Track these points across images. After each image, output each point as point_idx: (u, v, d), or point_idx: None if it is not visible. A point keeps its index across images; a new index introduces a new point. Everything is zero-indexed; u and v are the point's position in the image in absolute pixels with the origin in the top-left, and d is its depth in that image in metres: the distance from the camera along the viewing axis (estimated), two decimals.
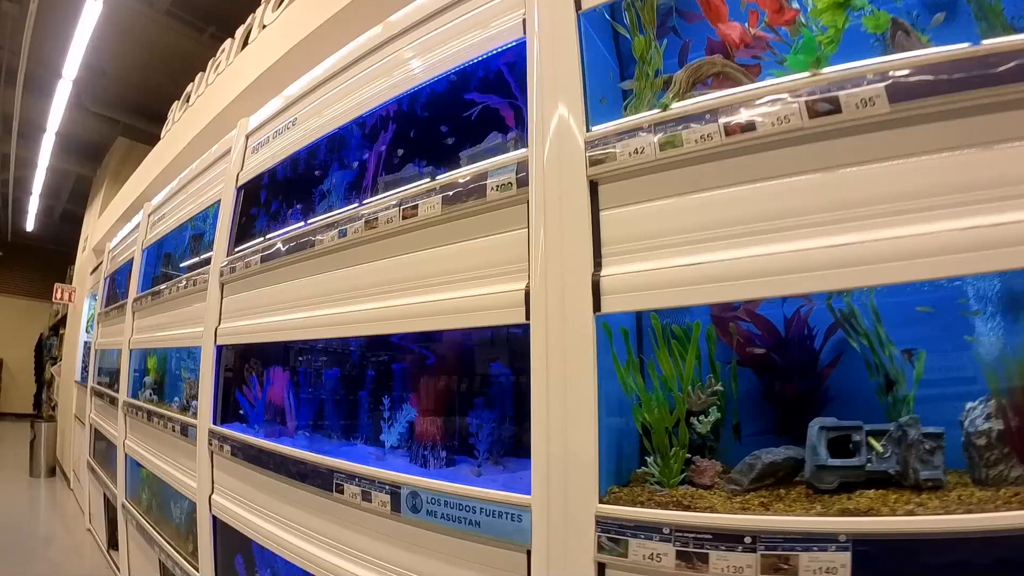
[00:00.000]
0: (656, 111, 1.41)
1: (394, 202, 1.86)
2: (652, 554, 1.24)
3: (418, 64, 1.95)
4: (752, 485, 1.38)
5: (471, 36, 1.80)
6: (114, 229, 6.32)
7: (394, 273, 1.85)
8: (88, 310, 7.86)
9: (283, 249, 2.36)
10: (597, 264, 1.39)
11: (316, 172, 2.52)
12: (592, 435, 1.33)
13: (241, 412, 2.65)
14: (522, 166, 1.55)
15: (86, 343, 7.40)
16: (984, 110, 1.13)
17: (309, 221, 2.27)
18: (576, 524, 1.33)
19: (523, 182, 1.53)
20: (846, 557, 1.12)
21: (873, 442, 1.35)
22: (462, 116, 1.91)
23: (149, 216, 4.61)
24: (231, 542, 2.78)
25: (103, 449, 5.47)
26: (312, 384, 2.39)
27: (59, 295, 8.66)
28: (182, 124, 4.68)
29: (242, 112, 3.18)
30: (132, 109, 8.14)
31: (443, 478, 1.70)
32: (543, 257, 1.43)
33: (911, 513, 1.16)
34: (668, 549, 1.23)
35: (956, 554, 1.05)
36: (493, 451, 1.72)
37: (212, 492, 2.92)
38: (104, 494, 5.11)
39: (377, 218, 1.90)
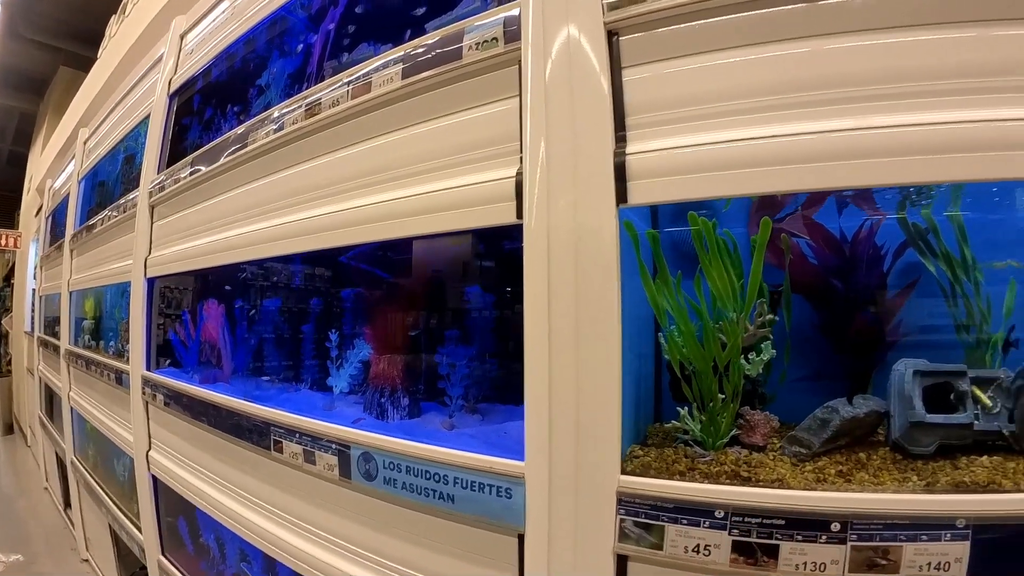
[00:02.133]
0: None
1: (342, 80, 1.42)
2: (698, 545, 0.95)
3: None
4: (824, 447, 1.03)
5: None
6: (56, 166, 5.77)
7: (344, 169, 1.44)
8: (34, 255, 7.34)
9: (214, 156, 1.91)
10: (620, 139, 0.98)
11: (254, 67, 2.06)
12: (615, 378, 1.00)
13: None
14: (513, 19, 1.12)
15: (32, 290, 6.92)
16: None
17: (244, 122, 1.82)
18: (589, 502, 1.02)
19: (513, 36, 1.13)
20: (964, 548, 0.85)
21: (979, 393, 1.00)
22: None
23: (84, 144, 4.11)
24: (174, 503, 2.46)
25: (52, 402, 5.13)
26: (251, 319, 1.97)
27: (3, 241, 8.07)
28: (118, 38, 4.12)
29: (178, 11, 2.69)
30: (72, 35, 7.44)
31: (405, 433, 1.32)
32: (545, 132, 1.03)
33: None
34: (721, 539, 0.93)
35: None
36: (469, 396, 1.34)
37: (149, 448, 2.55)
38: (55, 451, 4.81)
39: (320, 102, 1.47)
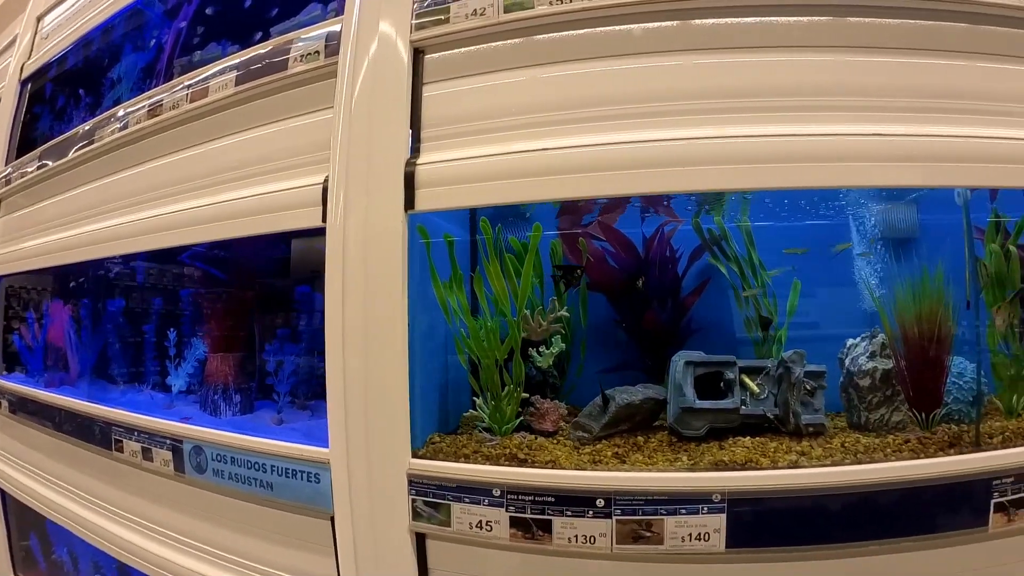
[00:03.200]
0: None
1: (183, 83, 1.43)
2: (480, 522, 1.02)
3: None
4: (604, 432, 1.14)
5: None
6: None
7: (183, 170, 1.45)
8: None
9: (62, 151, 1.85)
10: (415, 150, 1.07)
11: (107, 59, 2.01)
12: (400, 369, 1.06)
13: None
14: (334, 35, 1.19)
15: None
16: None
17: (95, 115, 1.78)
18: (383, 485, 1.09)
19: (333, 51, 1.18)
20: (720, 520, 0.94)
21: (748, 381, 1.15)
22: None
23: None
24: (25, 518, 2.29)
25: None
26: (95, 320, 1.92)
27: None
28: None
29: None
30: None
31: (237, 428, 1.36)
32: (347, 141, 1.09)
33: (795, 465, 1.00)
34: (500, 515, 1.01)
35: (845, 509, 0.94)
36: (298, 393, 1.39)
37: None
38: None
39: (161, 104, 1.47)
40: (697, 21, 1.02)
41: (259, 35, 1.51)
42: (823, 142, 0.98)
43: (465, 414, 1.19)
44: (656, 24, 1.05)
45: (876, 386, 1.17)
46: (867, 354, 1.20)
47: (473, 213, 1.33)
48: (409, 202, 1.06)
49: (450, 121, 1.10)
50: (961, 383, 1.22)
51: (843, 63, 1.02)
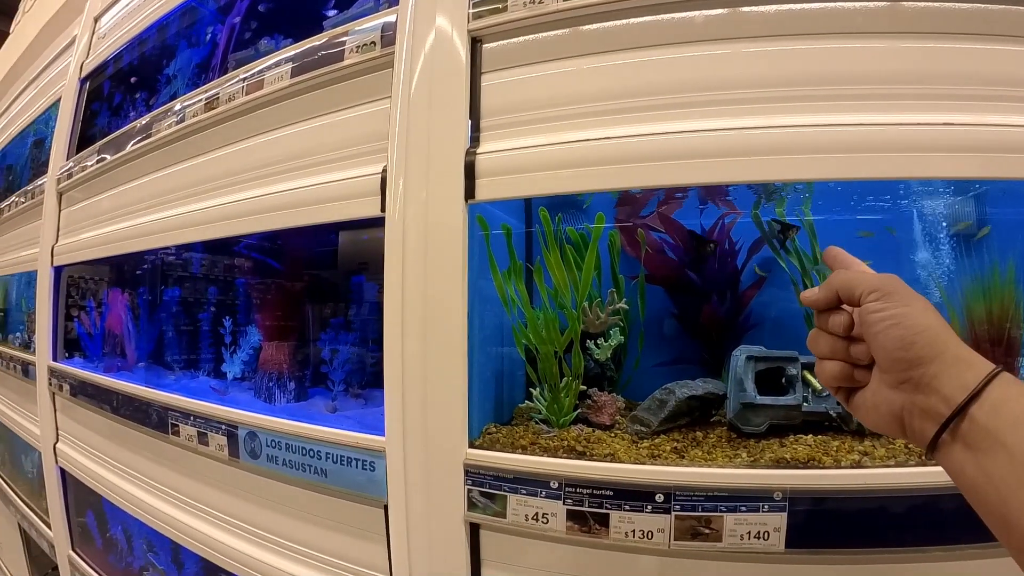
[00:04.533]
0: None
1: (238, 76, 1.46)
2: (537, 514, 1.02)
3: None
4: (663, 426, 1.12)
5: None
6: None
7: (238, 162, 1.47)
8: None
9: (120, 145, 1.91)
10: (474, 140, 1.07)
11: (163, 56, 2.06)
12: (459, 359, 1.06)
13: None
14: (390, 25, 1.19)
15: None
16: None
17: (151, 111, 1.83)
18: (439, 474, 1.09)
19: (389, 41, 1.18)
20: (781, 518, 0.92)
21: (810, 377, 1.12)
22: None
23: None
24: (82, 497, 2.41)
25: None
26: (152, 308, 1.98)
27: None
28: (31, 15, 3.97)
29: None
30: None
31: (290, 415, 1.38)
32: (406, 131, 1.09)
33: (858, 464, 0.97)
34: (557, 508, 1.00)
35: (908, 511, 0.91)
36: (352, 382, 1.40)
37: (57, 440, 2.50)
38: None
39: (218, 96, 1.50)
40: (755, 8, 0.99)
41: (311, 26, 1.53)
42: (887, 131, 0.94)
43: (520, 405, 1.19)
44: (716, 11, 1.02)
45: None
46: None
47: (528, 204, 1.33)
48: (469, 192, 1.06)
49: (509, 110, 1.09)
50: None
51: (905, 49, 0.98)
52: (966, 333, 1.13)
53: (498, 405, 1.25)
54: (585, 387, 1.18)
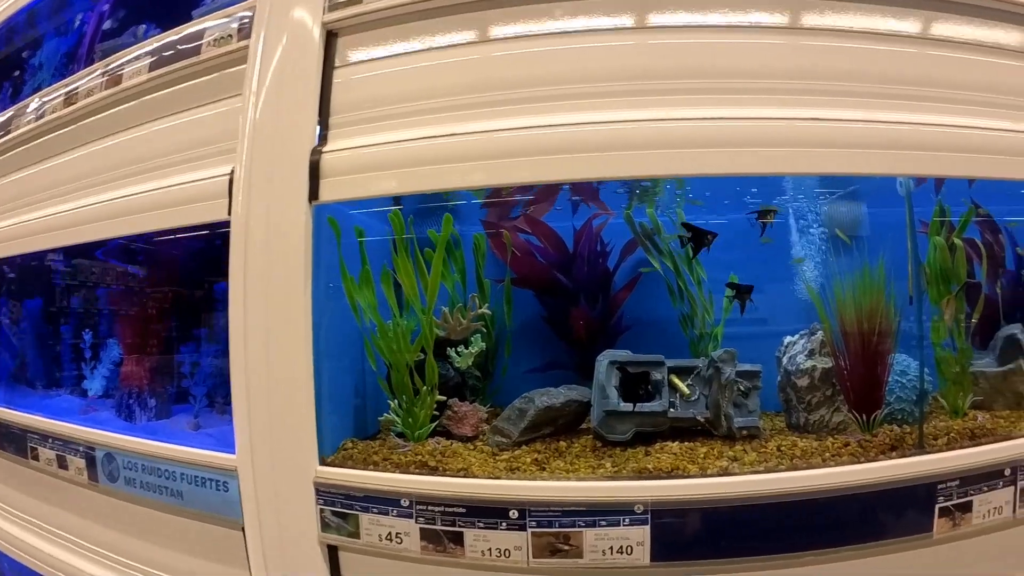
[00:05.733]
0: None
1: (98, 70, 1.36)
2: (390, 533, 0.96)
3: None
4: (524, 436, 1.07)
5: None
6: None
7: (94, 162, 1.37)
8: None
9: None
10: (323, 138, 1.00)
11: (30, 45, 1.91)
12: (304, 371, 1.01)
13: None
14: (246, 18, 1.15)
15: None
16: None
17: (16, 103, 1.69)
18: (291, 493, 1.02)
19: (246, 34, 1.11)
20: (643, 532, 0.88)
21: (677, 382, 1.09)
22: None
23: None
24: None
25: None
26: (12, 320, 1.83)
27: None
28: None
29: None
30: None
31: (151, 434, 1.28)
32: (254, 129, 1.02)
33: (725, 472, 0.94)
34: (410, 527, 0.95)
35: (779, 518, 0.89)
36: (217, 397, 1.31)
37: None
38: None
39: (77, 91, 1.39)
40: None
41: (181, 15, 1.43)
42: (762, 127, 0.92)
43: (380, 418, 1.13)
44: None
45: (815, 386, 1.12)
46: (805, 352, 1.15)
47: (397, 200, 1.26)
48: (313, 192, 1.00)
49: (361, 107, 1.04)
50: (904, 381, 1.18)
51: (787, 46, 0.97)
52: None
53: (361, 418, 1.18)
54: (444, 398, 1.13)
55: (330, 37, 1.08)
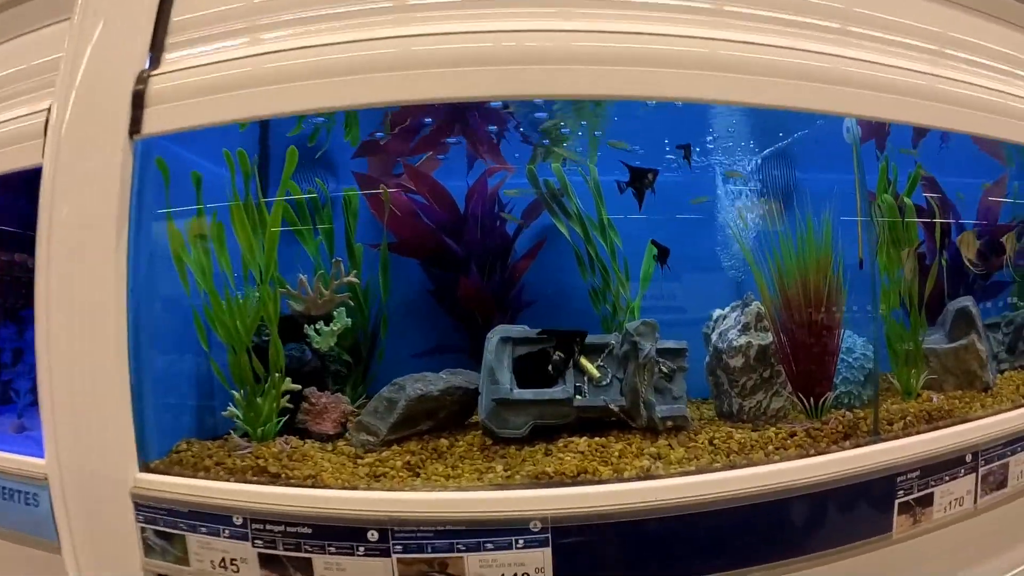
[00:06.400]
0: None
1: None
2: (225, 559, 0.77)
3: None
4: (395, 433, 0.89)
5: None
6: None
7: None
8: None
9: None
10: (155, 60, 0.82)
11: None
12: (115, 353, 0.81)
13: None
14: None
15: None
16: None
17: None
18: (104, 507, 0.83)
19: None
20: (544, 555, 0.72)
21: (586, 363, 0.92)
22: None
23: None
24: None
25: None
26: None
27: None
28: None
29: None
30: None
31: None
32: (75, 54, 0.85)
33: (647, 474, 0.80)
34: (246, 551, 0.76)
35: (720, 528, 0.76)
36: None
37: None
38: None
39: None
40: None
41: None
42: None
43: (224, 412, 0.92)
44: None
45: (751, 366, 1.01)
46: (739, 327, 1.01)
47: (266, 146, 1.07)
48: (135, 125, 0.81)
49: (205, 22, 0.86)
50: (851, 360, 1.08)
51: None
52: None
53: (208, 414, 0.97)
54: (300, 387, 0.93)
55: None
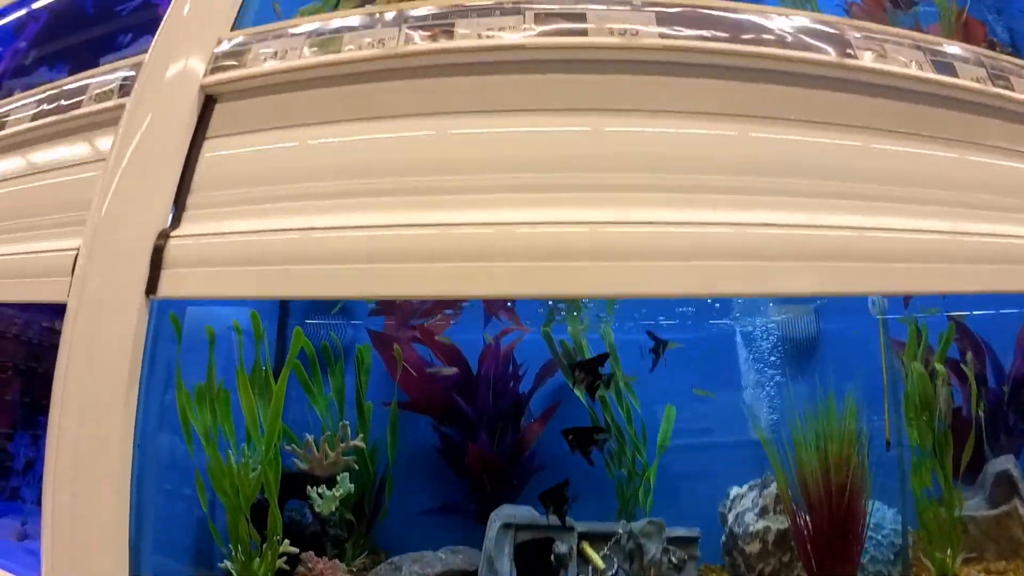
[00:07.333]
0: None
1: None
2: None
3: None
4: None
5: None
6: None
7: None
8: None
9: None
10: (176, 220, 0.82)
11: None
12: (118, 499, 0.79)
13: None
14: (129, 78, 1.02)
15: None
16: None
17: None
18: None
19: (127, 91, 0.95)
20: None
21: (591, 553, 0.88)
22: (117, 11, 1.30)
23: None
24: None
25: None
26: None
27: None
28: None
29: None
30: None
31: None
32: (107, 202, 0.86)
33: None
34: None
35: None
36: None
37: None
38: None
39: None
40: (528, 76, 0.82)
41: (91, 60, 1.30)
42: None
43: (220, 565, 0.90)
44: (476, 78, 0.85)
45: (768, 552, 0.93)
46: (756, 509, 0.95)
47: (285, 307, 1.07)
48: (152, 285, 0.81)
49: (225, 185, 0.87)
50: (879, 537, 1.00)
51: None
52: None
53: (205, 564, 0.94)
54: (297, 550, 0.90)
55: (208, 103, 0.93)
